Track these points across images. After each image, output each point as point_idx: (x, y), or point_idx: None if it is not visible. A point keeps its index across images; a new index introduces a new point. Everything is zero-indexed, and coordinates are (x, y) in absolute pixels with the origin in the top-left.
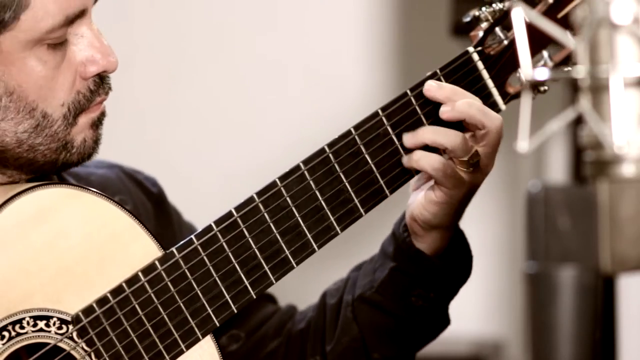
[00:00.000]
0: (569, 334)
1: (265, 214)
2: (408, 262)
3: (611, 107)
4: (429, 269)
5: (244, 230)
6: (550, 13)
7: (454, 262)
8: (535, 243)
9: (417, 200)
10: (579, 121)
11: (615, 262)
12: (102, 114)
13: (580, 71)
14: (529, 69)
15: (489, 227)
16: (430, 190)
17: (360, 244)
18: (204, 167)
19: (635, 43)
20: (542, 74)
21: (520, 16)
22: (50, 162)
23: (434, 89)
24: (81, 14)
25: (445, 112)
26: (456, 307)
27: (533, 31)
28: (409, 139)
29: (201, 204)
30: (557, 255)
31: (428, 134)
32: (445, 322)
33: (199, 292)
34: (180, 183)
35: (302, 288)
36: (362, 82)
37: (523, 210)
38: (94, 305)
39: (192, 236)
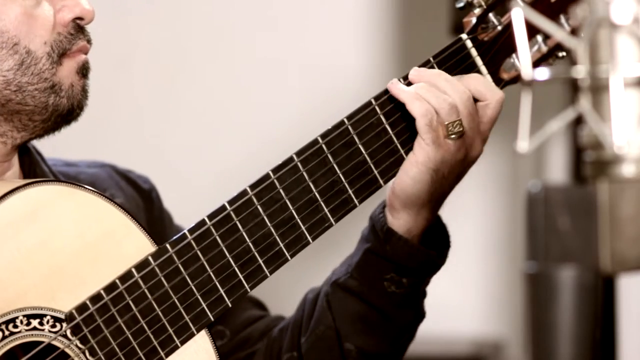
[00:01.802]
0: (569, 334)
1: (259, 207)
2: (380, 242)
3: (611, 107)
4: (401, 250)
5: (238, 223)
6: None
7: (429, 246)
8: (535, 243)
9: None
10: (579, 121)
11: (615, 262)
12: (87, 63)
13: (580, 71)
14: (529, 69)
15: (489, 227)
16: (411, 152)
17: (355, 235)
18: (204, 166)
19: (635, 43)
20: (542, 73)
21: (520, 16)
22: (41, 107)
23: (416, 73)
24: None
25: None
26: (456, 307)
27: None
28: (415, 73)
29: (201, 203)
30: (557, 255)
31: (420, 90)
32: (420, 315)
33: (193, 287)
34: (180, 182)
35: (296, 282)
36: (363, 82)
37: (523, 210)
38: (88, 302)
39: (186, 231)
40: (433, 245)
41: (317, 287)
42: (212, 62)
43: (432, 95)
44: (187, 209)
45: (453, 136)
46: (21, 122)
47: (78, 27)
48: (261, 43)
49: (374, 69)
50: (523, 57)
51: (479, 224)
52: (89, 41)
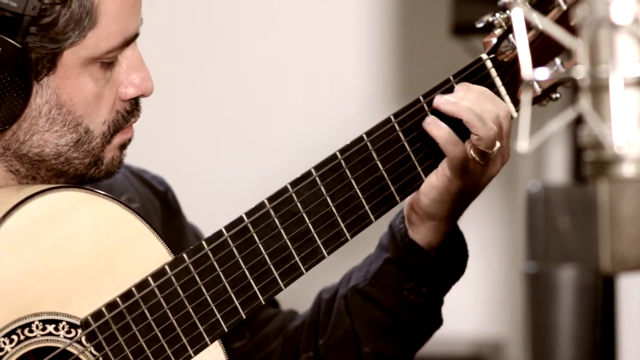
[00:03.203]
0: (569, 334)
1: (276, 220)
2: (401, 253)
3: (611, 107)
4: (421, 261)
5: (254, 235)
6: (563, 19)
7: (448, 257)
8: (535, 243)
9: None
10: (579, 121)
11: (615, 262)
12: (131, 138)
13: (580, 71)
14: (528, 69)
15: (489, 227)
16: (432, 173)
17: (368, 243)
18: (202, 167)
19: (635, 43)
20: (542, 74)
21: (520, 16)
22: (79, 176)
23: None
24: (134, 37)
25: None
26: (456, 307)
27: (545, 38)
28: (447, 104)
29: (200, 204)
30: (557, 255)
31: (469, 113)
32: (437, 322)
33: (208, 297)
34: (179, 183)
35: (309, 293)
36: (362, 82)
37: (523, 210)
38: (103, 309)
39: (203, 241)
40: (450, 253)
41: (330, 286)
42: (212, 63)
43: (480, 122)
44: (187, 212)
45: (484, 162)
46: (57, 182)
47: (136, 103)
48: (261, 43)
49: (374, 69)
50: (523, 58)
51: (479, 224)
52: (139, 114)
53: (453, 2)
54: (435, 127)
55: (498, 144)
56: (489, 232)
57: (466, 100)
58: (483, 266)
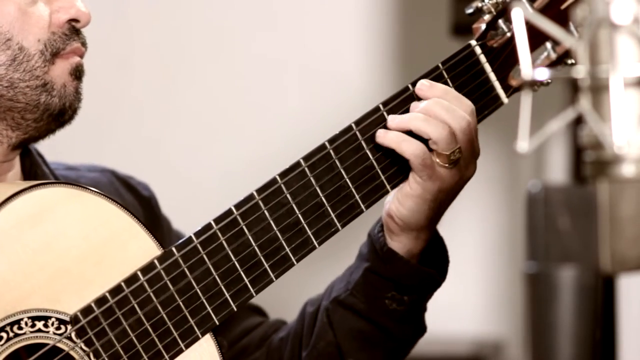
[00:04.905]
0: (569, 334)
1: (265, 211)
2: (381, 263)
3: (611, 107)
4: (401, 269)
5: (244, 227)
6: (553, 4)
7: (429, 264)
8: (535, 243)
9: (393, 195)
10: (579, 121)
11: (615, 262)
12: (81, 66)
13: (580, 71)
14: (528, 69)
15: (489, 227)
16: (405, 183)
17: (360, 241)
18: (203, 166)
19: (635, 43)
20: (542, 73)
21: (520, 16)
22: (32, 105)
23: (426, 88)
24: None
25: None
26: (456, 307)
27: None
28: (394, 121)
29: (200, 203)
30: (557, 255)
31: (416, 121)
32: (421, 329)
33: (198, 290)
34: (179, 182)
35: (302, 286)
36: (362, 82)
37: (523, 210)
38: (93, 305)
39: (192, 234)
40: (432, 260)
41: (315, 298)
42: (212, 62)
43: (430, 126)
44: (185, 209)
45: (451, 165)
46: (14, 120)
47: (73, 29)
48: (261, 43)
49: (374, 69)
50: (523, 57)
51: (479, 224)
52: (83, 44)
53: (453, 2)
54: (383, 137)
55: (460, 147)
56: (489, 232)
57: (408, 116)
58: (483, 266)
